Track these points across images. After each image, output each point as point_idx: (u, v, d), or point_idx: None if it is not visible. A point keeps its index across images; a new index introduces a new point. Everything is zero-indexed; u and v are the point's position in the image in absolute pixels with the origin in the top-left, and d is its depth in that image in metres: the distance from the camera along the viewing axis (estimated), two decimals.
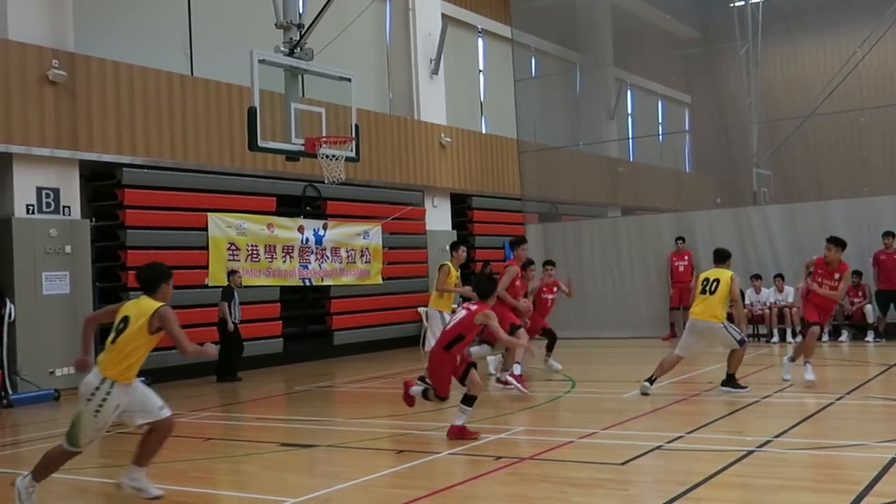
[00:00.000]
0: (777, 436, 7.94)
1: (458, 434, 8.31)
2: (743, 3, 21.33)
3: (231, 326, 14.67)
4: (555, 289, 13.98)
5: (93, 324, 6.90)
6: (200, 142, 15.42)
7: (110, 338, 6.23)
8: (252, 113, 11.59)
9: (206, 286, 15.42)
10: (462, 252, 12.74)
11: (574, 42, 24.87)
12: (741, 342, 10.64)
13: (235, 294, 14.94)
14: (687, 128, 27.14)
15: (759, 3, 21.12)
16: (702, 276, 11.05)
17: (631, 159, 25.74)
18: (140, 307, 6.27)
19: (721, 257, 11.07)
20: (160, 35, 15.93)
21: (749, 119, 21.07)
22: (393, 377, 14.71)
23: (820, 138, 20.37)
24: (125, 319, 6.24)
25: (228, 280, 15.03)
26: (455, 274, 12.39)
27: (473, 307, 8.63)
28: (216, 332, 14.85)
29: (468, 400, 8.38)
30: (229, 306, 14.72)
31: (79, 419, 6.20)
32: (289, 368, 16.09)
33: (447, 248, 20.87)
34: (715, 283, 10.67)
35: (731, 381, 10.75)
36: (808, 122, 19.52)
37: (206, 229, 15.50)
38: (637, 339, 18.43)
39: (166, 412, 6.46)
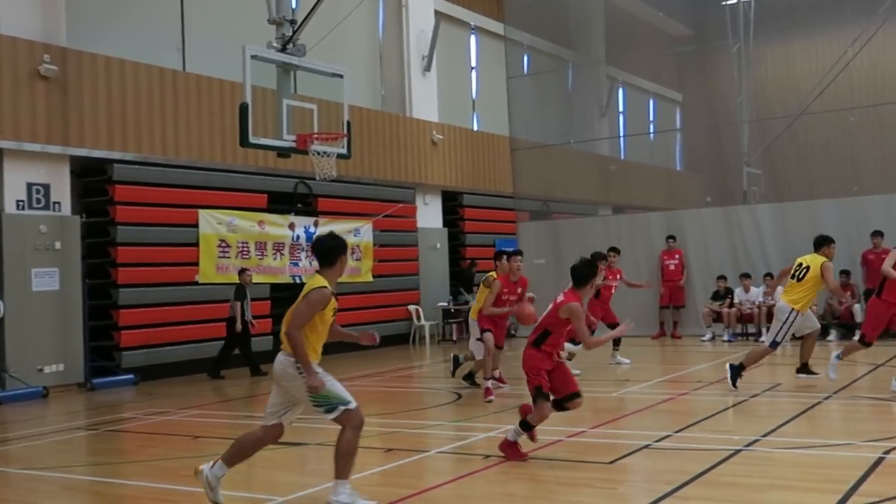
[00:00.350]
0: (765, 435, 7.98)
1: (507, 449, 7.35)
2: (735, 1, 21.35)
3: (240, 327, 14.74)
4: (618, 276, 13.98)
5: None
6: (192, 138, 15.38)
7: None
8: (244, 109, 11.55)
9: (197, 283, 15.40)
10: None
11: (566, 39, 24.87)
12: (772, 344, 10.55)
13: (248, 292, 14.98)
14: (678, 126, 27.20)
15: (751, 1, 21.15)
16: (797, 261, 10.81)
17: (622, 157, 25.78)
18: (309, 284, 5.99)
19: (817, 243, 10.73)
20: (152, 30, 15.87)
21: (740, 118, 21.10)
22: (382, 375, 14.73)
23: (810, 137, 20.41)
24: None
25: (239, 278, 15.05)
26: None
27: (559, 297, 7.52)
28: (223, 329, 14.93)
29: (524, 425, 7.35)
30: (242, 305, 14.78)
31: (323, 392, 5.82)
32: None
33: (437, 245, 21.08)
34: (805, 270, 10.51)
35: (737, 370, 10.70)
36: (798, 121, 19.58)
37: (196, 226, 15.47)
38: (626, 337, 18.36)
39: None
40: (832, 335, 16.70)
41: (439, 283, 21.08)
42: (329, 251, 6.06)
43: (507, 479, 6.87)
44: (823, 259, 10.50)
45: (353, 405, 5.90)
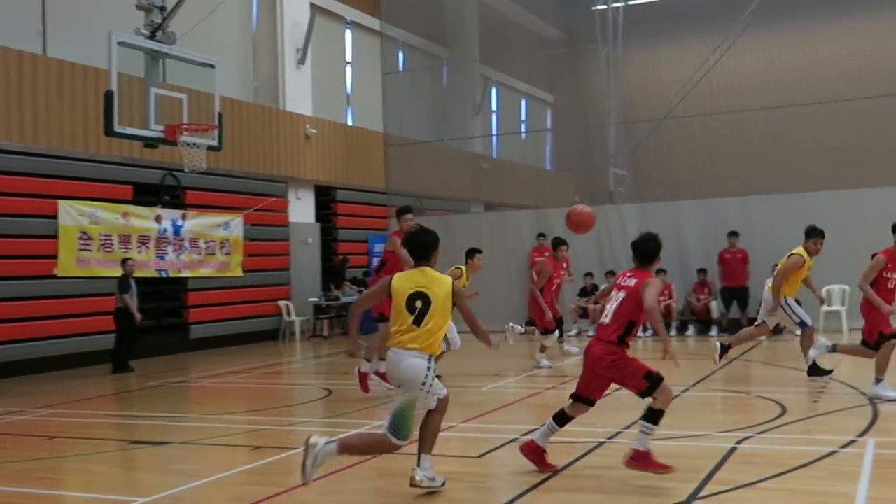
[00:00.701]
0: (627, 427, 8.24)
1: (643, 464, 6.38)
2: (604, 7, 21.96)
3: (139, 318, 14.25)
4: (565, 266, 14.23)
5: (360, 312, 6.86)
6: (52, 125, 14.71)
7: (408, 318, 6.00)
8: (109, 96, 11.18)
9: (55, 276, 14.76)
10: (479, 260, 12.19)
11: (441, 37, 25.06)
12: (801, 325, 10.64)
13: (132, 283, 14.46)
14: (549, 126, 27.80)
15: (619, 7, 21.82)
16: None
17: (494, 155, 26.17)
18: (438, 285, 6.11)
19: (805, 234, 10.72)
20: (10, 10, 15.08)
21: (608, 120, 21.74)
22: (250, 372, 14.49)
23: (673, 141, 21.21)
24: (422, 298, 6.02)
25: (122, 268, 14.52)
26: (466, 282, 12.04)
27: (629, 281, 6.50)
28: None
29: (653, 415, 6.38)
30: (130, 297, 14.30)
31: (410, 408, 5.99)
32: (142, 363, 15.53)
33: (309, 240, 20.88)
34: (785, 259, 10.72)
35: (816, 369, 10.64)
36: (662, 124, 20.32)
37: (56, 217, 14.81)
38: (495, 332, 18.67)
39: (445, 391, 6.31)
40: (690, 330, 17.47)
41: (311, 279, 20.89)
42: (427, 246, 6.28)
43: (377, 475, 6.88)
44: (798, 250, 10.59)
45: (400, 444, 6.10)
